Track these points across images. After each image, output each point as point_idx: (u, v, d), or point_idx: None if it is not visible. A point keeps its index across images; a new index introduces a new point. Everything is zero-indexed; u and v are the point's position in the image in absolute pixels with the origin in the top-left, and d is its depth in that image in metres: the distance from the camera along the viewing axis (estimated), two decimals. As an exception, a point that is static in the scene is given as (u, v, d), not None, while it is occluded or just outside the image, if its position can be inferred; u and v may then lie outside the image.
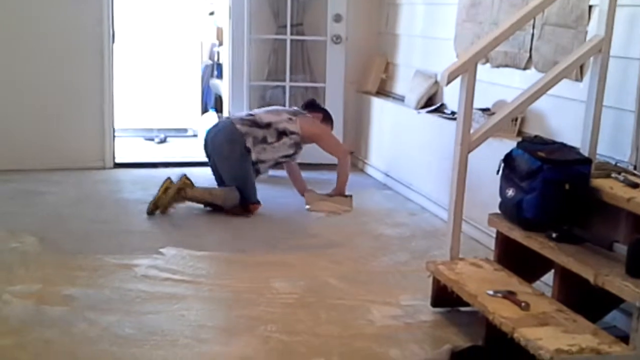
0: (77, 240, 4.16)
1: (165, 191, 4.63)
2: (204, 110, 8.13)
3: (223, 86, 6.95)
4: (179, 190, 4.64)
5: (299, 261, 3.96)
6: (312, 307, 3.35)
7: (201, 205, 4.79)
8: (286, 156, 4.96)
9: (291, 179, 5.25)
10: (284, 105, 5.79)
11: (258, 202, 4.80)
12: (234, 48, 6.15)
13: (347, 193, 5.08)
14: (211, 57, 8.45)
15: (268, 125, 4.82)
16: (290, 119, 4.90)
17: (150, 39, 7.89)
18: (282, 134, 4.83)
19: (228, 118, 5.13)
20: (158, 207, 4.62)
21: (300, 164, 5.96)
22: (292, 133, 4.86)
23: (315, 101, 5.39)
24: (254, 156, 4.74)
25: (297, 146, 4.95)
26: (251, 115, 4.92)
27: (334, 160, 6.13)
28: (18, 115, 5.70)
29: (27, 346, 2.87)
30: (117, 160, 6.02)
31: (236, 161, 4.77)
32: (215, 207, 4.75)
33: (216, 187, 4.90)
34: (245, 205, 4.72)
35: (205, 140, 4.97)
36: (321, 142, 5.07)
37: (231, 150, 4.77)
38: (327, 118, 5.21)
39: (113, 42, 5.84)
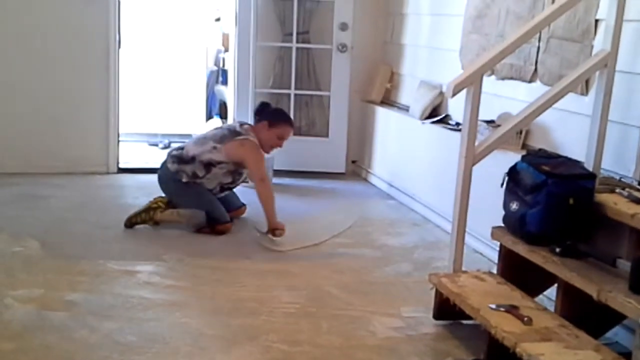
0: (79, 245, 4.16)
1: (148, 211, 4.53)
2: (209, 116, 8.15)
3: (228, 92, 6.97)
4: (148, 210, 4.53)
5: (302, 270, 3.96)
6: (313, 317, 3.34)
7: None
8: (227, 184, 4.67)
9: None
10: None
11: (227, 222, 4.56)
12: (240, 55, 6.16)
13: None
14: (216, 63, 8.47)
15: (193, 159, 4.54)
16: (214, 147, 4.53)
17: (156, 45, 7.93)
18: (209, 165, 4.53)
19: (165, 159, 4.74)
20: (136, 221, 4.52)
21: (299, 173, 5.94)
22: (219, 163, 4.54)
23: (261, 106, 4.92)
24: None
25: (236, 173, 4.63)
26: (181, 149, 4.65)
27: (336, 168, 6.17)
28: (23, 120, 5.71)
29: (28, 351, 2.86)
30: (121, 165, 6.03)
31: (183, 195, 4.59)
32: None
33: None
34: (213, 226, 4.51)
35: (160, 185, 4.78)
36: (246, 165, 4.61)
37: (171, 188, 4.62)
38: (274, 120, 4.72)
39: (119, 47, 5.85)
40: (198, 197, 4.55)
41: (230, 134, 4.61)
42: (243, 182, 4.81)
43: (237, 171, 4.64)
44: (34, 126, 5.73)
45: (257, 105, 5.10)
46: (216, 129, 4.91)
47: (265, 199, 4.46)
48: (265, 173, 4.58)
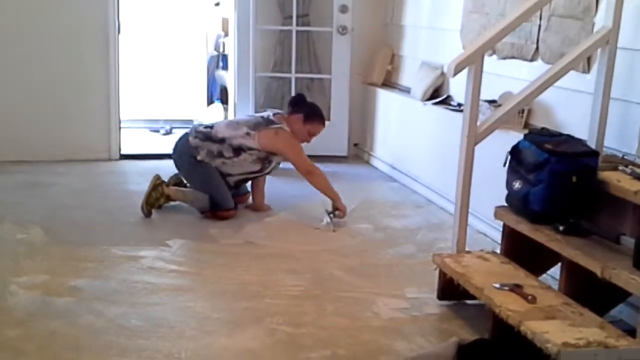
0: (83, 232, 4.16)
1: (155, 188, 4.53)
2: (210, 101, 8.13)
3: (228, 77, 6.96)
4: (156, 187, 4.52)
5: (305, 253, 3.96)
6: (317, 300, 3.35)
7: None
8: (254, 172, 4.62)
9: (252, 189, 4.85)
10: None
11: (230, 209, 4.53)
12: (240, 39, 6.14)
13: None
14: (217, 48, 8.44)
15: (222, 141, 4.50)
16: (247, 133, 4.49)
17: (155, 30, 7.89)
18: (239, 149, 4.50)
19: (188, 131, 4.72)
20: (151, 205, 4.51)
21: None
22: (250, 149, 4.50)
23: (299, 98, 4.89)
24: (220, 168, 4.53)
25: (265, 161, 4.58)
26: (209, 127, 4.61)
27: (338, 151, 6.16)
28: (24, 107, 5.70)
29: (34, 337, 2.87)
30: (123, 152, 6.02)
31: (192, 173, 4.58)
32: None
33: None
34: (215, 211, 4.49)
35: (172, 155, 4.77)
36: (287, 158, 4.63)
37: (184, 162, 4.61)
38: (310, 115, 4.70)
39: (119, 33, 5.84)
40: (206, 178, 4.52)
41: (265, 122, 4.58)
42: (272, 170, 4.73)
43: (267, 159, 4.58)
44: (34, 114, 5.72)
45: (294, 95, 5.09)
46: (249, 115, 4.90)
47: (323, 189, 4.56)
48: (309, 162, 4.61)
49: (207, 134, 4.54)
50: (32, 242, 3.95)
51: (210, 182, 4.52)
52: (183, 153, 4.60)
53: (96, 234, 4.14)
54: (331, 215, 4.47)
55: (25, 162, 5.60)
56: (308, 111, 4.72)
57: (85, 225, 4.29)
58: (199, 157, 4.51)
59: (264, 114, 4.73)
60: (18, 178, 5.23)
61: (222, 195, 4.52)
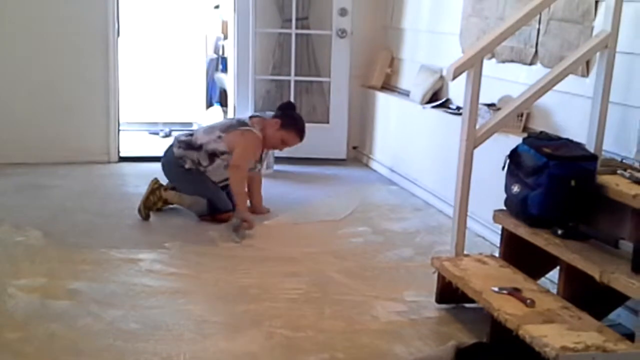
0: (82, 234, 4.16)
1: (153, 192, 4.52)
2: (209, 104, 8.14)
3: (228, 80, 6.96)
4: (154, 191, 4.52)
5: (304, 256, 3.96)
6: (316, 303, 3.35)
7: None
8: (227, 180, 4.56)
9: (249, 193, 4.71)
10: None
11: (229, 210, 4.46)
12: (239, 42, 6.14)
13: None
14: (216, 51, 8.45)
15: (200, 147, 4.48)
16: (219, 137, 4.48)
17: (155, 33, 7.90)
18: (212, 155, 4.47)
19: (172, 142, 4.69)
20: (149, 209, 4.50)
21: (299, 159, 5.92)
22: (223, 153, 4.47)
23: (288, 105, 4.85)
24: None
25: None
26: (190, 135, 4.62)
27: (337, 154, 6.16)
28: (23, 109, 5.70)
29: (32, 340, 2.87)
30: (122, 154, 6.03)
31: (185, 182, 4.57)
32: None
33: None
34: (214, 215, 4.47)
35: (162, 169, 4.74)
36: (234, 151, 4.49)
37: (174, 173, 4.61)
38: (289, 125, 4.63)
39: (118, 36, 5.84)
40: (201, 184, 4.53)
41: (236, 124, 4.59)
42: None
43: None
44: (34, 117, 5.72)
45: (286, 101, 5.04)
46: (227, 119, 4.89)
47: (234, 189, 4.43)
48: (245, 164, 4.48)
49: (188, 142, 4.55)
50: (31, 244, 3.95)
51: (205, 187, 4.52)
52: (171, 165, 4.61)
53: (95, 236, 4.14)
54: (237, 225, 4.26)
55: (24, 164, 5.59)
56: (289, 120, 4.66)
57: (84, 227, 4.29)
58: (186, 166, 4.52)
59: (241, 117, 4.75)
60: (17, 180, 5.22)
61: (219, 198, 4.51)
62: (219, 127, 4.62)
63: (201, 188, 4.52)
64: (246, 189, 4.59)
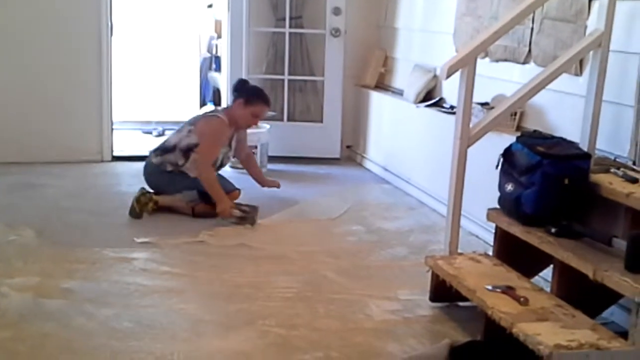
0: (75, 233, 4.15)
1: (143, 194, 4.53)
2: (202, 103, 8.13)
3: (221, 79, 6.95)
4: (144, 193, 4.52)
5: (298, 255, 3.96)
6: (310, 302, 3.34)
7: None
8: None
9: (249, 173, 5.05)
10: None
11: (235, 190, 4.67)
12: (233, 41, 6.14)
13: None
14: (209, 50, 8.44)
15: (174, 148, 4.58)
16: (189, 131, 4.59)
17: (148, 32, 7.90)
18: (187, 151, 4.55)
19: (148, 155, 4.83)
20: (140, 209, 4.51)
21: (293, 158, 5.92)
22: (196, 145, 4.55)
23: (238, 83, 4.91)
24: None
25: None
26: (164, 141, 4.74)
27: (330, 153, 6.16)
28: (16, 109, 5.68)
29: (25, 339, 2.86)
30: (115, 153, 6.01)
31: (171, 182, 4.61)
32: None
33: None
34: (207, 202, 4.49)
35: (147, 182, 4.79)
36: (199, 143, 4.58)
37: (158, 179, 4.66)
38: (250, 98, 4.73)
39: (111, 35, 5.82)
40: (187, 179, 4.58)
41: (203, 115, 4.71)
42: (224, 162, 4.81)
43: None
44: (26, 115, 5.70)
45: (235, 82, 5.05)
46: (183, 123, 4.91)
47: (206, 185, 4.48)
48: (213, 150, 4.59)
49: (163, 148, 4.67)
50: (24, 243, 3.94)
51: (192, 179, 4.57)
52: (154, 173, 4.69)
53: (88, 235, 4.13)
54: (241, 215, 4.42)
55: (17, 163, 5.57)
56: (250, 94, 4.77)
57: (78, 226, 4.28)
58: (169, 169, 4.61)
59: (209, 110, 4.84)
60: (10, 180, 5.21)
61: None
62: (187, 123, 4.74)
63: (188, 181, 4.58)
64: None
